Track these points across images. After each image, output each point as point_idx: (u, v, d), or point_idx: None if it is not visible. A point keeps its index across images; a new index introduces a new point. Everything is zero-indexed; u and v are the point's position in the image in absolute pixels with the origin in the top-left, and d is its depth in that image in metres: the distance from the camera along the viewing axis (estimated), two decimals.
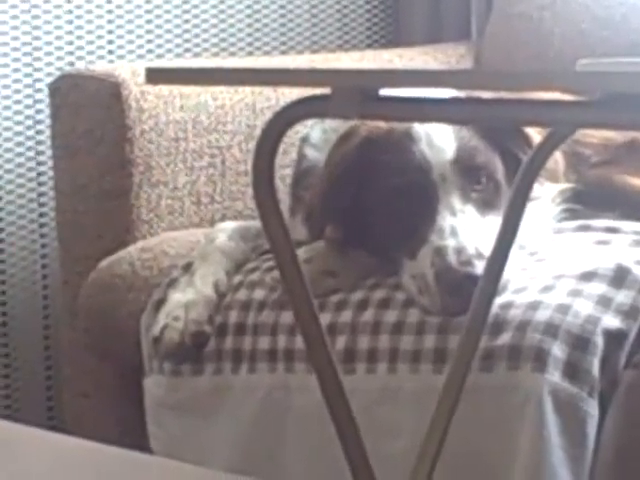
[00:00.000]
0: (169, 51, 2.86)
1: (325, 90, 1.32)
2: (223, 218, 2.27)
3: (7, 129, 2.62)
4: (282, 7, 3.01)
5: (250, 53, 3.00)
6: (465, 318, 1.68)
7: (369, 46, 3.15)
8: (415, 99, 1.30)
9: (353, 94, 1.26)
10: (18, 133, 2.63)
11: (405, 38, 3.11)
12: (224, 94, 2.37)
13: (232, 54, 2.97)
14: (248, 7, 2.95)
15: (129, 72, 2.35)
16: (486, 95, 1.42)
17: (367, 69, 1.56)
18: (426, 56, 2.82)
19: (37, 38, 2.67)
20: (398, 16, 3.21)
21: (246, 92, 2.43)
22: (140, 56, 2.80)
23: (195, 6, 2.93)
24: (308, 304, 1.48)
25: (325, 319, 1.87)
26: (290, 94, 2.28)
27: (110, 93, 2.31)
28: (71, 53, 2.69)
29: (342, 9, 3.14)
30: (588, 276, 1.83)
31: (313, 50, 3.08)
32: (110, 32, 2.78)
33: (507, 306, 1.81)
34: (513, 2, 2.88)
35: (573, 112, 1.21)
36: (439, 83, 1.34)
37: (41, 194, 2.60)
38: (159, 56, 2.84)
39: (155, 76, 1.53)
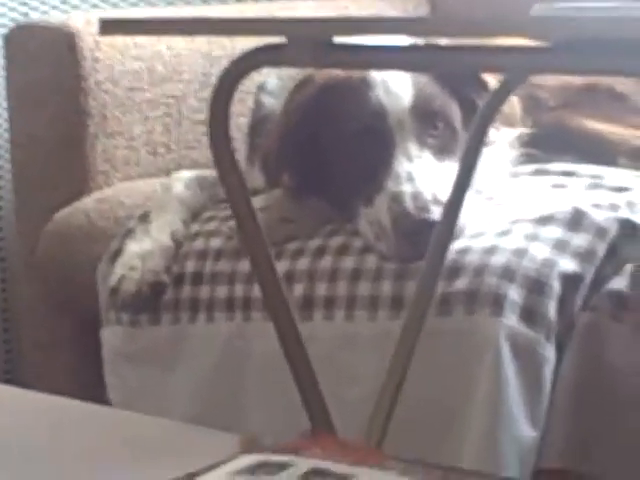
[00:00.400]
0: (123, 0, 2.83)
1: (280, 39, 1.32)
2: (179, 167, 2.26)
3: None
4: None
5: (205, 1, 2.98)
6: (422, 263, 1.69)
7: None
8: (369, 47, 1.30)
9: (307, 43, 1.27)
10: None
11: None
12: (179, 43, 2.35)
13: (187, 3, 2.94)
14: None
15: (83, 22, 2.34)
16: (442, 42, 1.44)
17: (320, 17, 1.54)
18: (382, 2, 2.79)
19: None
20: None
21: (201, 41, 2.42)
22: (94, 5, 2.75)
23: None
24: (265, 252, 1.50)
25: (282, 267, 1.87)
26: (246, 43, 2.27)
27: (64, 43, 2.29)
28: (24, 4, 2.66)
29: None
30: (544, 220, 1.84)
31: None
32: None
33: (464, 251, 1.81)
34: None
35: (527, 58, 1.22)
36: (392, 30, 1.35)
37: None
38: (114, 5, 2.80)
39: (109, 27, 1.53)
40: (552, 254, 1.79)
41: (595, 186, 1.99)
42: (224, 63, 2.29)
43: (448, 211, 1.65)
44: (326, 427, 1.50)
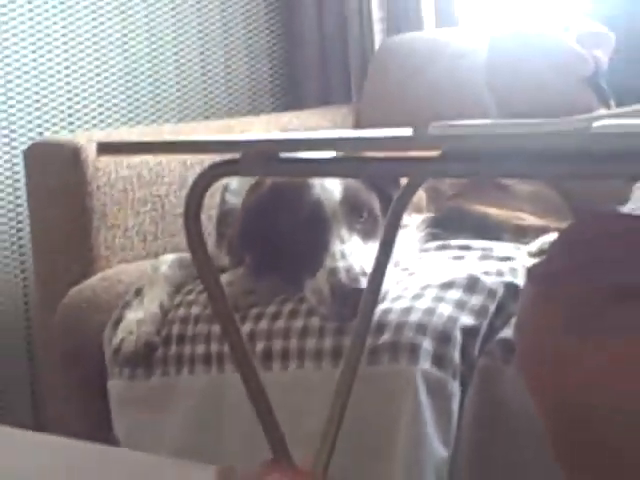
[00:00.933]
0: (116, 120, 2.79)
1: (238, 154, 1.33)
2: (164, 251, 2.25)
3: None
4: (203, 75, 2.92)
5: (180, 119, 2.93)
6: (355, 322, 1.67)
7: (274, 109, 3.07)
8: (307, 159, 1.30)
9: (258, 158, 1.26)
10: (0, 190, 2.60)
11: (302, 101, 3.02)
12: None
13: (166, 120, 2.89)
14: (177, 78, 2.89)
15: (85, 139, 2.32)
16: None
17: (269, 138, 1.54)
18: (317, 117, 2.77)
19: (12, 115, 2.61)
20: (295, 83, 3.10)
21: None
22: (94, 125, 2.74)
23: (135, 84, 2.83)
24: (231, 317, 1.49)
25: (246, 328, 1.89)
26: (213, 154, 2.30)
27: (71, 156, 2.28)
28: (39, 125, 2.63)
29: (251, 79, 3.05)
30: (447, 285, 1.83)
31: (230, 114, 3.00)
32: (70, 107, 2.71)
33: (386, 312, 1.80)
34: (386, 69, 2.78)
35: (425, 166, 1.23)
36: (321, 147, 1.36)
37: (20, 237, 2.57)
38: (109, 124, 2.78)
39: (104, 149, 1.53)
40: (454, 312, 1.78)
41: (485, 257, 1.98)
42: (197, 168, 2.34)
43: (372, 281, 1.64)
44: (284, 456, 1.48)
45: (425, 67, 2.66)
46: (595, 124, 1.04)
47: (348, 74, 2.95)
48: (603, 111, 1.51)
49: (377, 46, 2.85)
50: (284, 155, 1.28)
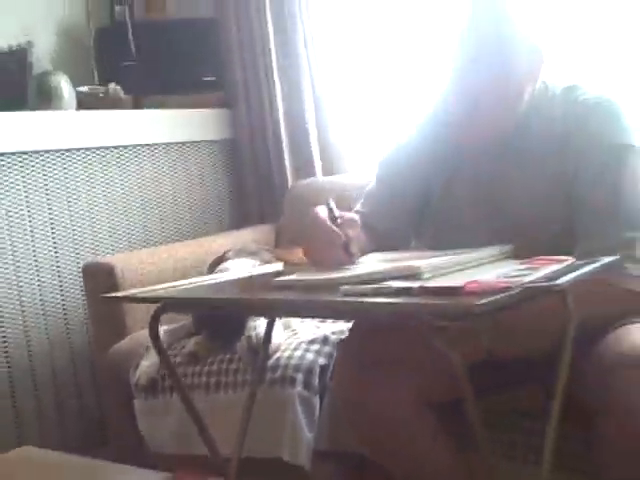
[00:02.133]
0: (134, 243, 2.61)
1: None
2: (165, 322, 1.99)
3: (55, 301, 2.40)
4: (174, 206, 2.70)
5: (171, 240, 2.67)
6: (258, 365, 1.69)
7: (221, 231, 2.78)
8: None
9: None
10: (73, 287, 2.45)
11: (244, 221, 2.85)
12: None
13: (179, 239, 2.67)
14: (160, 212, 2.69)
15: (116, 260, 2.24)
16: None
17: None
18: (253, 234, 2.61)
19: (79, 242, 2.48)
20: (238, 206, 2.89)
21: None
22: (126, 248, 2.56)
23: (147, 219, 2.65)
24: (174, 370, 1.62)
25: (209, 368, 1.90)
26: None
27: (108, 271, 2.20)
28: (93, 250, 2.49)
29: (199, 206, 2.79)
30: (312, 341, 1.85)
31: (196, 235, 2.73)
32: (110, 236, 2.56)
33: (279, 358, 1.81)
34: (300, 195, 2.56)
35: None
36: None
37: (86, 316, 2.43)
38: (129, 246, 2.59)
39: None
40: (315, 357, 1.80)
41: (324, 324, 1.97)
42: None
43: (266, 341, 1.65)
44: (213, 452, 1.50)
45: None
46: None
47: (274, 203, 2.77)
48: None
49: (289, 185, 2.72)
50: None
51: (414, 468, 1.37)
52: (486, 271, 1.19)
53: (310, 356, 1.80)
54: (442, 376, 1.14)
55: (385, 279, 1.13)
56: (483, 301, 0.95)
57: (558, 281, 1.02)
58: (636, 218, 1.31)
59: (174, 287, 1.42)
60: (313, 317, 1.75)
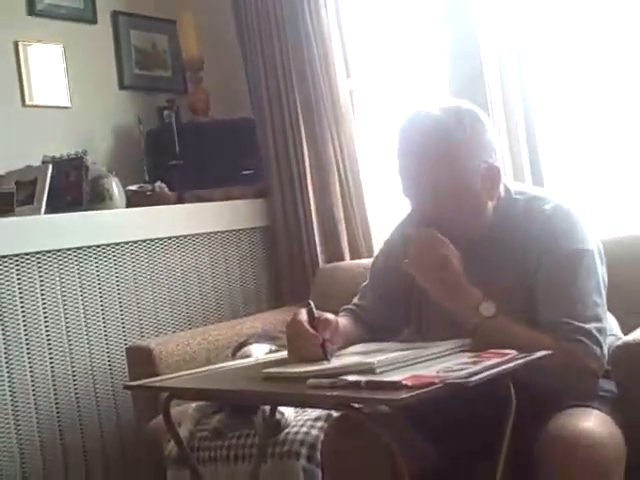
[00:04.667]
0: (170, 326, 2.74)
1: None
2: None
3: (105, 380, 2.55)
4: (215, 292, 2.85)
5: (204, 323, 2.80)
6: (271, 440, 1.85)
7: (259, 310, 2.92)
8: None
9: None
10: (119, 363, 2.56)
11: (280, 302, 2.97)
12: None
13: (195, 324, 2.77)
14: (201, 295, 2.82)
15: (155, 344, 2.39)
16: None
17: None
18: (282, 315, 2.62)
19: (126, 328, 2.63)
20: (274, 288, 3.01)
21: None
22: (169, 331, 2.68)
23: (195, 298, 2.80)
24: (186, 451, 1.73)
25: (225, 443, 2.01)
26: None
27: (147, 354, 2.34)
28: (139, 332, 2.64)
29: (238, 289, 2.93)
30: (317, 419, 1.93)
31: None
32: (155, 320, 2.68)
33: (287, 433, 1.91)
34: (328, 277, 2.69)
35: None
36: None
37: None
38: (187, 328, 2.74)
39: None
40: (319, 433, 1.89)
41: None
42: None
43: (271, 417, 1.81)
44: None
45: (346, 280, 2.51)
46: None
47: (306, 285, 2.87)
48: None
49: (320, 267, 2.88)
50: None
51: None
52: (434, 365, 1.39)
53: (314, 432, 1.91)
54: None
55: (344, 373, 1.34)
56: (403, 395, 1.17)
57: (472, 378, 1.23)
58: (586, 311, 1.49)
59: (186, 375, 1.66)
60: (282, 405, 1.86)
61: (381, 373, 1.36)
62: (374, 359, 1.39)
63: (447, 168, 1.49)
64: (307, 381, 1.36)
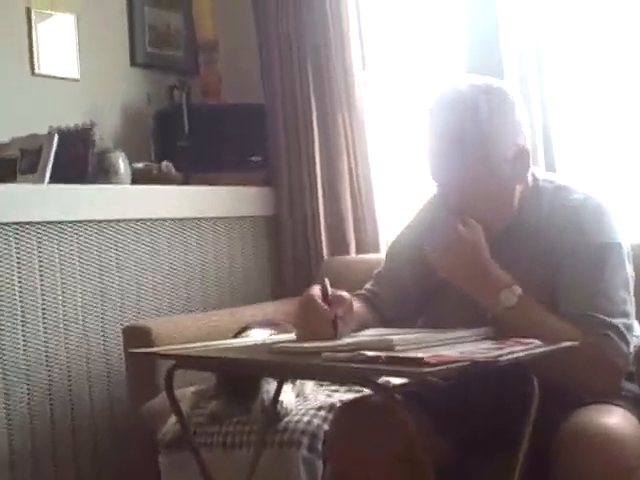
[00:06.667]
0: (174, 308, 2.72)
1: None
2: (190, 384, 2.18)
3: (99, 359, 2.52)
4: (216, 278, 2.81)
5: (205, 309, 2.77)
6: (272, 427, 1.83)
7: (259, 300, 2.85)
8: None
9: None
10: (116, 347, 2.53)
11: (281, 292, 2.94)
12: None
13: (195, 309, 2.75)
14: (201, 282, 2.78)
15: (154, 324, 2.35)
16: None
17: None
18: (283, 306, 2.59)
19: (124, 307, 2.60)
20: (276, 278, 2.99)
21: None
22: (167, 314, 2.66)
23: (196, 283, 2.77)
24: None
25: (223, 429, 1.98)
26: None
27: (145, 334, 2.28)
28: (136, 313, 2.58)
29: (240, 277, 2.91)
30: (319, 408, 1.92)
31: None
32: (154, 301, 2.65)
33: (288, 422, 1.88)
34: (332, 271, 2.58)
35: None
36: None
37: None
38: (186, 311, 2.72)
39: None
40: (321, 423, 1.88)
41: (337, 391, 2.08)
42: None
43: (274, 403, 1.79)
44: None
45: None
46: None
47: (309, 277, 2.84)
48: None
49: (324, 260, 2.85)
50: None
51: None
52: (456, 348, 1.34)
53: (317, 421, 1.88)
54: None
55: (361, 349, 1.28)
56: (436, 368, 1.10)
57: (501, 359, 1.17)
58: (613, 305, 1.45)
59: (191, 348, 1.60)
60: (295, 377, 1.86)
61: (401, 351, 1.28)
62: (393, 337, 1.33)
63: (478, 147, 1.46)
64: (322, 354, 1.29)
